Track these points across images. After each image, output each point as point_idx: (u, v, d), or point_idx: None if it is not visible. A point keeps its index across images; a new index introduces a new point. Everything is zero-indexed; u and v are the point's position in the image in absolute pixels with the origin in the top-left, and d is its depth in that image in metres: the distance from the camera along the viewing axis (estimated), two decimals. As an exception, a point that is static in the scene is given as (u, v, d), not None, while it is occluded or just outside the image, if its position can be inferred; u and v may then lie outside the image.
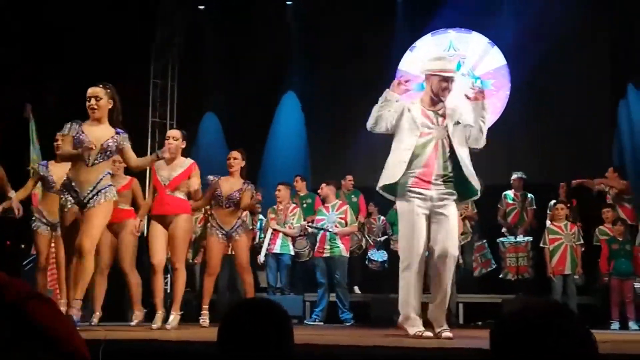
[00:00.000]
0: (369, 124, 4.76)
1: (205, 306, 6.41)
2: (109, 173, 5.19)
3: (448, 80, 4.62)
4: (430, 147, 4.55)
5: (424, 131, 4.57)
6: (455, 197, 4.59)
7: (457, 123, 4.62)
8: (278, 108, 11.78)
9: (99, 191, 5.01)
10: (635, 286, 7.98)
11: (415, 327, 4.65)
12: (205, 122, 11.67)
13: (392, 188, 4.66)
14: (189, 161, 6.04)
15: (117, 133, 5.18)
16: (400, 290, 4.75)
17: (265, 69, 11.13)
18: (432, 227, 4.56)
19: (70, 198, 5.05)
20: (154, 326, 5.81)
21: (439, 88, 4.62)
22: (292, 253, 8.54)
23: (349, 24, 11.17)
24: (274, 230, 8.44)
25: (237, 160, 6.46)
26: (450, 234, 4.55)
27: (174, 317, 5.96)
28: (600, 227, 8.53)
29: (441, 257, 4.52)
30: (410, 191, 4.55)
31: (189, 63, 11.33)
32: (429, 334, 4.57)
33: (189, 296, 8.24)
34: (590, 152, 10.30)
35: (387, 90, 4.65)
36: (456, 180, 4.58)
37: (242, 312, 1.75)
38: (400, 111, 4.62)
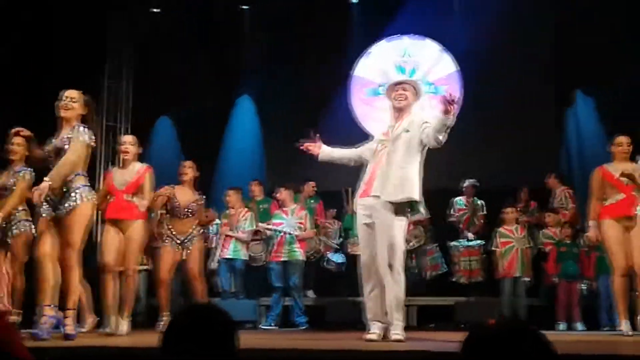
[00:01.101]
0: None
1: (167, 312, 6.38)
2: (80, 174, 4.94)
3: (398, 88, 4.88)
4: (379, 156, 4.83)
5: (380, 144, 4.88)
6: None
7: (407, 131, 4.76)
8: (233, 112, 11.75)
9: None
10: (581, 288, 8.21)
11: (370, 331, 4.74)
12: (159, 126, 11.56)
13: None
14: (144, 166, 6.04)
15: (78, 128, 4.95)
16: None
17: (221, 72, 11.09)
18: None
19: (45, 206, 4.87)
20: (108, 330, 5.76)
21: (392, 93, 4.90)
22: (245, 258, 8.53)
23: (305, 28, 11.21)
24: (226, 235, 8.43)
25: (191, 169, 6.53)
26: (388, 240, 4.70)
27: (126, 323, 5.92)
28: (544, 230, 8.77)
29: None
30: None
31: (143, 66, 11.21)
32: (372, 336, 4.70)
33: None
34: (539, 157, 10.55)
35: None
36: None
37: (185, 318, 1.76)
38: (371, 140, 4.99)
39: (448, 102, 4.36)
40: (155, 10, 11.37)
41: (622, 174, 5.57)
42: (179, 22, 11.08)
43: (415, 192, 4.69)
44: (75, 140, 4.82)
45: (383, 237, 4.66)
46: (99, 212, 6.75)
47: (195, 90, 10.86)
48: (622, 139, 6.02)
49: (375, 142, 4.91)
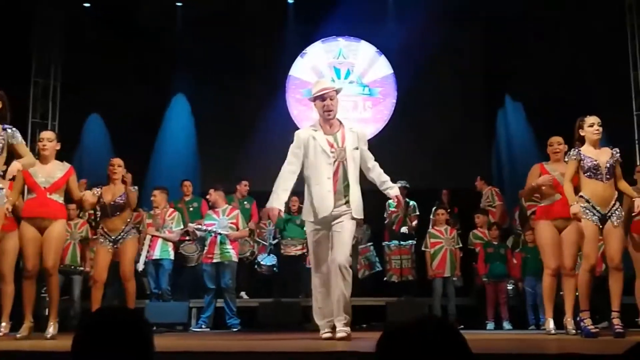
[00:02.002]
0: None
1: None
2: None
3: (325, 97, 4.89)
4: (337, 169, 4.91)
5: (331, 156, 4.89)
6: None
7: (356, 148, 4.93)
8: (167, 110, 11.56)
9: None
10: (508, 288, 8.43)
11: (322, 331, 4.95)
12: (89, 123, 11.27)
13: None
14: (67, 165, 5.89)
15: (4, 129, 4.98)
16: None
17: (154, 70, 10.88)
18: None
19: None
20: (19, 336, 5.56)
21: (321, 108, 4.94)
22: (173, 258, 8.39)
23: (240, 27, 11.13)
24: (153, 236, 8.28)
25: (120, 167, 6.39)
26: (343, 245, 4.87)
27: (53, 325, 5.74)
28: (474, 231, 8.98)
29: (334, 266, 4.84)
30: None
31: (73, 62, 10.89)
32: (329, 335, 4.85)
33: (66, 304, 7.99)
34: (471, 159, 10.80)
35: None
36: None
37: (96, 321, 1.70)
38: (306, 143, 4.94)
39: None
40: (86, 5, 11.08)
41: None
42: (110, 17, 10.81)
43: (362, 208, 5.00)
44: (20, 143, 5.03)
45: (344, 241, 4.85)
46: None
47: (127, 87, 10.62)
48: (552, 140, 6.16)
49: (321, 153, 4.90)
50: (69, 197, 6.00)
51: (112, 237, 6.30)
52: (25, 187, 5.91)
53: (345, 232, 4.84)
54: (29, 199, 5.82)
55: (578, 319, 5.46)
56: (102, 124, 11.30)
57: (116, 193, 6.33)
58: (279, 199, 4.97)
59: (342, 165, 4.89)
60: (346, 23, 11.33)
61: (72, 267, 8.25)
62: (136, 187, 6.53)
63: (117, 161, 6.46)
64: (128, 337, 1.64)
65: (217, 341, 5.57)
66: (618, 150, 5.36)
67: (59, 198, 5.77)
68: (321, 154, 4.89)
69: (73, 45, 10.85)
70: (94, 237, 8.19)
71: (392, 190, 5.06)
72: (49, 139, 5.84)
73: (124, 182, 6.33)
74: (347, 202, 4.87)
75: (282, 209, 5.05)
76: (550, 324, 5.95)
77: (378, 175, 5.07)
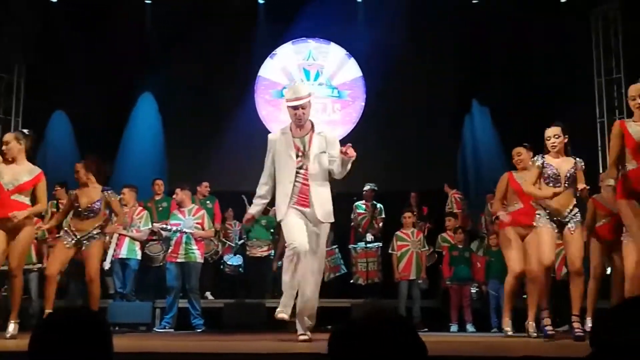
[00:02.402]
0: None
1: (49, 311, 6.10)
2: None
3: (297, 107, 4.92)
4: (303, 172, 4.92)
5: (297, 160, 4.91)
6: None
7: (323, 152, 4.94)
8: (134, 109, 11.43)
9: None
10: (472, 291, 8.51)
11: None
12: (54, 120, 11.08)
13: None
14: (37, 169, 5.77)
15: None
16: None
17: (121, 67, 10.73)
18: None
19: None
20: None
21: (292, 116, 4.98)
22: (139, 258, 8.30)
23: (210, 26, 11.06)
24: (120, 234, 8.16)
25: (82, 169, 6.32)
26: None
27: (13, 325, 5.63)
28: (442, 234, 9.06)
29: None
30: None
31: (38, 58, 10.69)
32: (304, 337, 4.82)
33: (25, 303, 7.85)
34: (438, 162, 10.90)
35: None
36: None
37: (54, 322, 1.67)
38: (274, 146, 5.01)
39: (347, 156, 4.79)
40: (52, 0, 10.90)
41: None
42: (78, 13, 10.65)
43: (332, 213, 5.02)
44: None
45: (315, 245, 4.90)
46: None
47: (93, 85, 10.47)
48: (513, 151, 6.36)
49: (287, 157, 4.91)
50: None
51: (77, 237, 6.20)
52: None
53: (321, 239, 4.94)
54: None
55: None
56: (67, 121, 11.12)
57: (93, 197, 6.23)
58: (254, 206, 5.18)
59: (305, 169, 4.90)
60: (316, 25, 11.34)
61: (27, 264, 8.05)
62: (111, 191, 6.43)
63: (78, 166, 6.40)
64: (86, 337, 1.62)
65: (180, 342, 5.53)
66: (582, 162, 5.48)
67: (24, 199, 5.66)
68: (286, 156, 4.92)
69: (38, 41, 10.66)
70: (58, 235, 8.08)
71: (338, 158, 4.89)
72: (6, 142, 5.73)
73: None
74: (314, 207, 4.87)
75: (255, 215, 5.25)
76: (509, 325, 6.11)
77: (335, 166, 4.93)
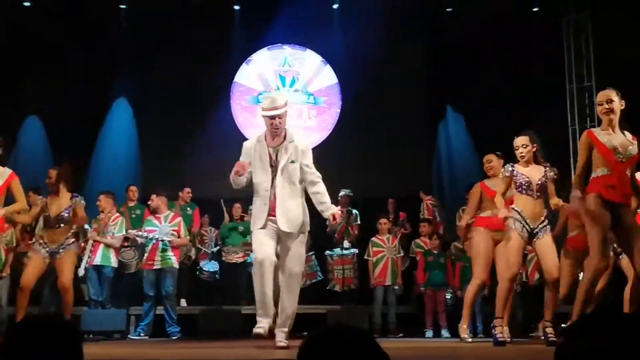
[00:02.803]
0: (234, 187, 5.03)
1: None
2: None
3: (274, 117, 4.87)
4: (275, 183, 4.86)
5: (271, 170, 4.86)
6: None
7: (292, 162, 4.88)
8: (109, 114, 11.33)
9: None
10: (446, 297, 8.57)
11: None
12: (27, 126, 10.95)
13: None
14: (7, 170, 5.70)
15: None
16: None
17: (95, 73, 10.64)
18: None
19: None
20: None
21: (268, 125, 4.92)
22: (114, 265, 8.21)
23: (185, 31, 11.01)
24: (94, 241, 8.07)
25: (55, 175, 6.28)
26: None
27: None
28: (416, 240, 9.11)
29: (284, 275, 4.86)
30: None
31: (11, 62, 10.56)
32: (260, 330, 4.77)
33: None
34: (412, 168, 10.96)
35: (233, 174, 4.87)
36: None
37: (24, 329, 1.65)
38: (250, 153, 4.94)
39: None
40: (26, 4, 10.78)
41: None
42: (52, 17, 10.55)
43: (307, 222, 4.99)
44: None
45: (292, 254, 4.88)
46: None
47: (67, 90, 10.37)
48: (484, 159, 6.45)
49: (262, 166, 4.88)
50: None
51: (50, 248, 6.15)
52: None
53: (294, 251, 4.88)
54: None
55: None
56: (41, 126, 11.00)
57: (62, 205, 6.18)
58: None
59: (276, 179, 4.87)
60: (292, 31, 11.35)
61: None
62: (80, 198, 6.39)
63: (51, 172, 6.35)
64: (56, 344, 1.60)
65: (155, 349, 5.49)
66: (555, 170, 5.55)
67: None
68: (260, 165, 4.89)
69: (11, 45, 10.53)
70: (31, 242, 7.97)
71: (327, 212, 4.94)
72: None
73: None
74: (277, 217, 4.83)
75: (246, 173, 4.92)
76: (466, 331, 6.23)
77: (318, 195, 4.95)
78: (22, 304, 6.07)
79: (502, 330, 5.46)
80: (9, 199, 5.92)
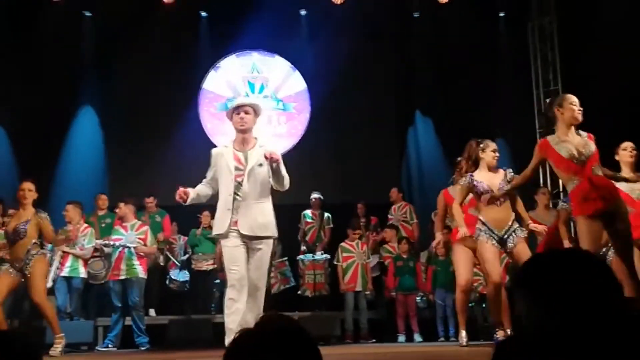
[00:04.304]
0: None
1: None
2: None
3: (239, 111, 4.85)
4: (242, 187, 4.77)
5: (237, 173, 4.77)
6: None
7: (260, 165, 4.81)
8: (74, 122, 11.13)
9: None
10: (417, 301, 8.57)
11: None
12: (-11, 135, 10.70)
13: None
14: None
15: None
16: None
17: (60, 80, 10.45)
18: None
19: None
20: None
21: (236, 122, 4.86)
22: (84, 276, 8.04)
23: (152, 39, 10.89)
24: (64, 252, 7.90)
25: (31, 192, 6.15)
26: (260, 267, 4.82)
27: None
28: (384, 245, 9.11)
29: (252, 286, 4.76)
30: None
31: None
32: None
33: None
34: (382, 173, 10.98)
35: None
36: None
37: None
38: (216, 159, 4.88)
39: (272, 160, 4.65)
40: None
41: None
42: (14, 24, 10.33)
43: (274, 227, 4.89)
44: None
45: (258, 262, 4.79)
46: None
47: (31, 98, 10.17)
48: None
49: (226, 170, 4.80)
50: None
51: (18, 266, 6.02)
52: None
53: (262, 254, 4.79)
54: None
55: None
56: (4, 135, 10.75)
57: (21, 219, 6.04)
58: (193, 190, 4.89)
59: (246, 182, 4.80)
60: (260, 37, 11.28)
61: None
62: (45, 214, 6.24)
63: (28, 185, 6.18)
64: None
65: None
66: (512, 171, 5.57)
67: None
68: (226, 170, 4.81)
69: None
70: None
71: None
72: None
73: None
74: (239, 221, 4.74)
75: (193, 198, 4.88)
76: (463, 335, 6.05)
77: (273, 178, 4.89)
78: None
79: (503, 334, 5.44)
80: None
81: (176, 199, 4.79)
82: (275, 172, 4.72)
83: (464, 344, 5.99)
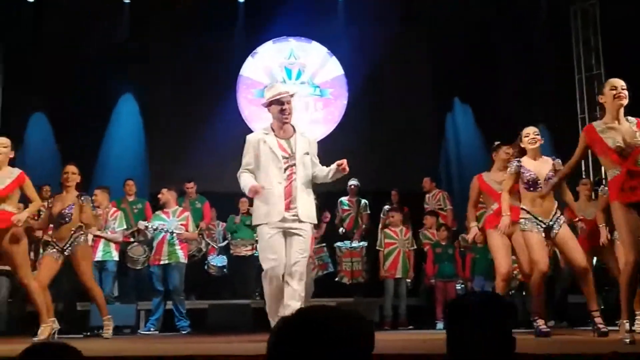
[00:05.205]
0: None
1: (48, 319, 6.05)
2: None
3: (282, 102, 4.87)
4: (291, 174, 4.85)
5: (285, 161, 4.84)
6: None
7: (306, 153, 4.90)
8: (115, 110, 11.32)
9: None
10: (457, 288, 8.52)
11: None
12: (33, 122, 10.95)
13: None
14: (17, 171, 5.68)
15: None
16: None
17: (101, 69, 10.63)
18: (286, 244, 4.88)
19: None
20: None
21: (277, 111, 4.87)
22: (116, 258, 8.15)
23: (189, 25, 11.00)
24: (95, 236, 8.00)
25: (74, 175, 6.26)
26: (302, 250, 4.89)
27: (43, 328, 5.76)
28: (424, 231, 9.06)
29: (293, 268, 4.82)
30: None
31: (17, 60, 10.56)
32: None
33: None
34: (419, 161, 10.90)
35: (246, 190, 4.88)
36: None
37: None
38: (256, 146, 4.89)
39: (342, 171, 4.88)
40: (29, 0, 10.76)
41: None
42: (56, 14, 10.52)
43: (315, 212, 5.02)
44: None
45: (303, 245, 4.86)
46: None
47: (73, 86, 10.37)
48: (505, 149, 6.08)
49: (273, 158, 4.84)
50: None
51: (60, 246, 6.17)
52: None
53: (305, 238, 4.86)
54: None
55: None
56: (47, 123, 11.00)
57: (66, 203, 6.18)
58: (250, 177, 4.90)
59: (293, 170, 4.85)
60: (297, 23, 11.29)
61: None
62: (85, 197, 6.36)
63: (71, 168, 6.30)
64: None
65: (166, 344, 5.48)
66: (560, 162, 5.43)
67: (9, 207, 5.61)
68: (272, 158, 4.83)
69: (16, 43, 10.53)
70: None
71: (333, 165, 4.94)
72: (3, 145, 5.64)
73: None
74: (298, 207, 4.82)
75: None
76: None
77: (320, 170, 5.00)
78: (41, 304, 6.04)
79: (543, 323, 5.34)
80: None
81: (250, 195, 4.86)
82: (335, 176, 4.93)
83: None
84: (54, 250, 6.19)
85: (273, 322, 4.90)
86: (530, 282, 5.64)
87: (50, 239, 6.32)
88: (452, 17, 11.10)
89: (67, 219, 6.17)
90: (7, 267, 7.77)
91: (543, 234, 5.33)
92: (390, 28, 10.92)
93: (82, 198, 6.27)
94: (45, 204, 6.86)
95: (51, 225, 6.43)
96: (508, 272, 5.80)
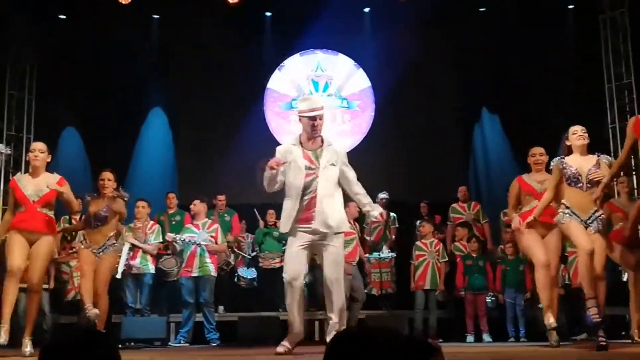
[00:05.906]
0: (266, 189, 5.06)
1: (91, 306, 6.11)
2: None
3: (315, 118, 4.92)
4: (314, 185, 4.88)
5: (308, 172, 4.88)
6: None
7: (332, 165, 4.93)
8: (144, 123, 11.47)
9: None
10: (487, 300, 8.42)
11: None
12: (65, 136, 11.13)
13: None
14: (56, 176, 5.76)
15: None
16: None
17: (131, 83, 10.80)
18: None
19: None
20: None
21: (309, 126, 4.93)
22: (153, 271, 8.23)
23: (217, 39, 11.12)
24: (133, 246, 8.08)
25: (110, 182, 6.39)
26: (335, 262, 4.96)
27: (29, 343, 5.53)
28: (455, 243, 8.98)
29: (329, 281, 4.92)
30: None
31: (49, 75, 10.76)
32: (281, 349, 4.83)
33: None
34: (448, 172, 10.84)
35: (267, 170, 4.87)
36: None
37: (60, 344, 1.63)
38: (284, 157, 4.95)
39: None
40: (61, 16, 10.97)
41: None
42: (86, 29, 10.70)
43: (346, 220, 5.13)
44: None
45: (334, 256, 4.94)
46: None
47: (103, 101, 10.54)
48: (534, 150, 6.09)
49: (297, 169, 4.89)
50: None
51: (94, 249, 6.25)
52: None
53: (336, 247, 4.92)
54: (19, 213, 5.60)
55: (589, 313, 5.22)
56: (78, 137, 11.17)
57: (100, 205, 6.28)
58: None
59: (317, 182, 4.88)
60: (324, 36, 11.34)
61: None
62: (120, 194, 6.43)
63: (107, 175, 6.42)
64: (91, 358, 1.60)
65: (196, 357, 5.51)
66: (606, 157, 5.31)
67: (48, 212, 5.67)
68: (296, 169, 4.89)
69: (48, 58, 10.73)
70: (71, 251, 8.08)
71: (374, 211, 5.20)
72: (40, 150, 5.73)
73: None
74: (323, 218, 4.85)
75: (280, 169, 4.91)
76: (550, 319, 5.56)
77: (360, 196, 5.16)
78: (86, 287, 6.17)
79: (596, 312, 4.94)
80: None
81: (270, 163, 4.82)
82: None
83: (553, 325, 5.52)
84: (90, 249, 6.28)
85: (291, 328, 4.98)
86: (579, 272, 5.45)
87: (84, 241, 6.36)
88: (479, 28, 11.07)
89: (102, 222, 6.25)
90: (47, 285, 7.89)
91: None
92: (416, 39, 10.91)
93: (117, 192, 6.36)
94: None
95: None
96: (547, 260, 5.59)
